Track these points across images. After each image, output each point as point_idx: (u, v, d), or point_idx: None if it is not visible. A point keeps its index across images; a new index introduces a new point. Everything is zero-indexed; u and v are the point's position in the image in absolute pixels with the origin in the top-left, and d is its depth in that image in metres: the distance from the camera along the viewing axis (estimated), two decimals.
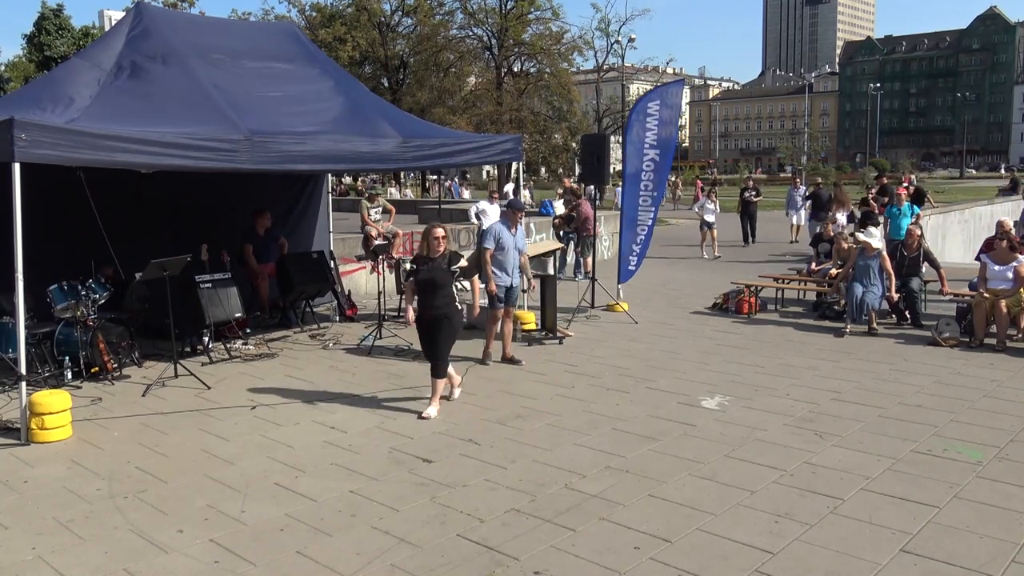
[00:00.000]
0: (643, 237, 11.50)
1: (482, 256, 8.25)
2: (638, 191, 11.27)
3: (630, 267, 11.61)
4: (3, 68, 50.31)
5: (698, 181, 42.73)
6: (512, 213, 8.46)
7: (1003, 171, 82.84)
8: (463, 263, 6.55)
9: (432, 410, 6.66)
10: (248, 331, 9.64)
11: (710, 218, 18.47)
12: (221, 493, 5.17)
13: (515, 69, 43.44)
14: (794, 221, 20.74)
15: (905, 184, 21.70)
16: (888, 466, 5.48)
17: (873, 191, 18.61)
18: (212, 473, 5.52)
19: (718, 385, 7.61)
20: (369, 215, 12.62)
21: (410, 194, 44.36)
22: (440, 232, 6.64)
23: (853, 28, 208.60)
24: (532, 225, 13.14)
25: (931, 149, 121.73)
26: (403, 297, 6.89)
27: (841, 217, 16.99)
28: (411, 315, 6.74)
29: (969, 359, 8.47)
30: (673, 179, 44.72)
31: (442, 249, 6.62)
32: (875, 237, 10.04)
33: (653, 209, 11.44)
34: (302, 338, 9.97)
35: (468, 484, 5.28)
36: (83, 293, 7.89)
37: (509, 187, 35.53)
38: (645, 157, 11.16)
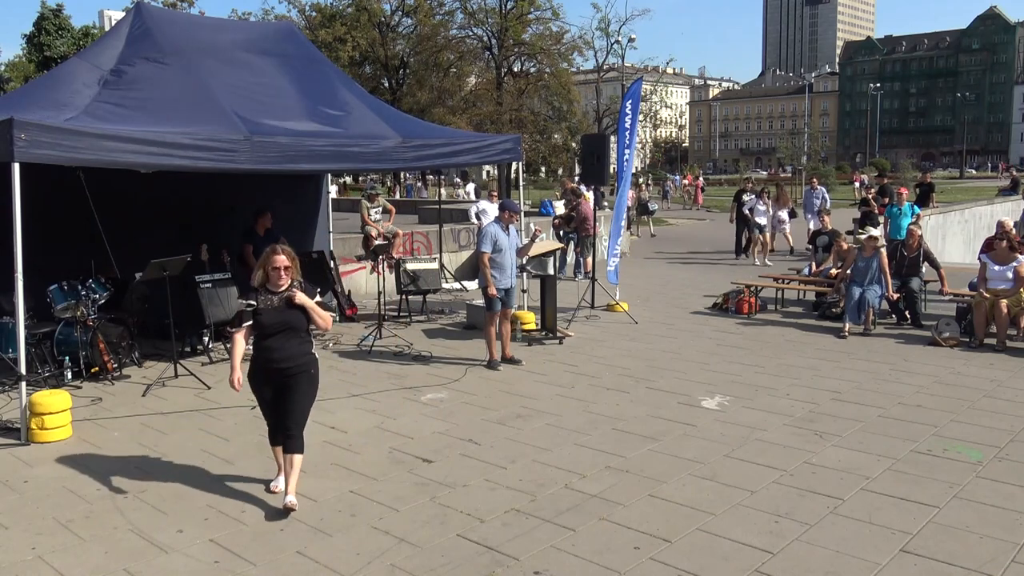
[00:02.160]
0: (614, 235, 11.96)
1: (480, 260, 8.25)
2: (623, 191, 11.77)
3: (608, 268, 11.91)
4: (3, 68, 50.28)
5: (697, 181, 42.71)
6: (506, 214, 8.45)
7: (991, 170, 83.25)
8: (318, 298, 5.04)
9: (291, 498, 4.88)
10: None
11: (762, 220, 17.18)
12: (221, 493, 5.17)
13: (515, 69, 43.37)
14: (811, 226, 17.97)
15: (857, 184, 21.29)
16: (888, 466, 5.48)
17: (873, 191, 18.62)
18: (212, 473, 5.52)
19: (718, 385, 7.61)
20: (369, 215, 12.63)
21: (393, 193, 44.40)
22: (282, 260, 4.92)
23: (853, 28, 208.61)
24: (532, 224, 13.10)
25: (931, 149, 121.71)
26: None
27: (782, 213, 18.33)
28: (237, 375, 4.92)
29: (969, 359, 8.47)
30: (686, 182, 44.57)
31: (285, 282, 4.91)
32: (870, 235, 10.08)
33: (621, 208, 12.01)
34: None
35: (468, 484, 5.28)
36: (83, 293, 7.89)
37: (470, 187, 35.48)
38: (624, 158, 11.48)
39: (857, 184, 44.46)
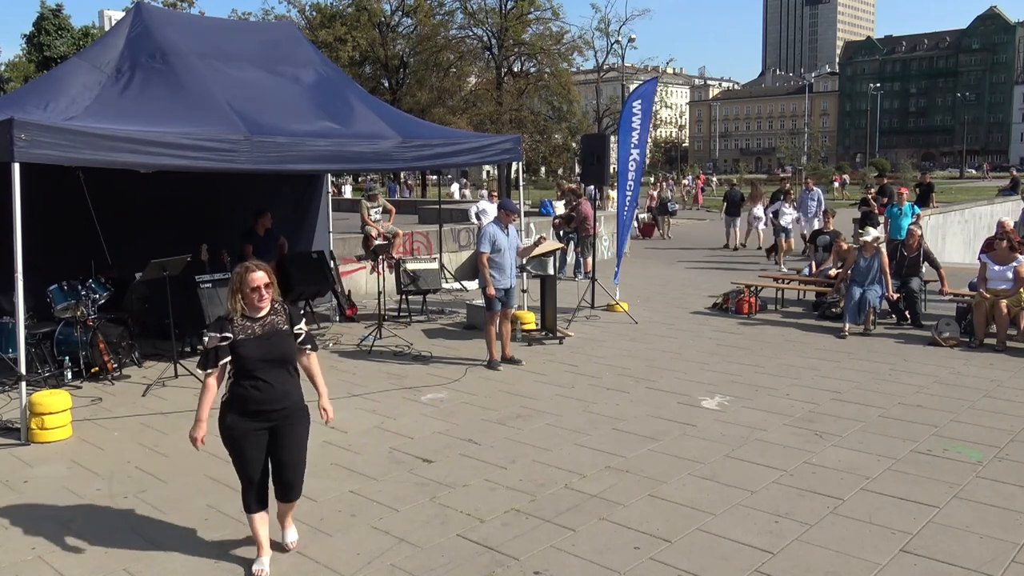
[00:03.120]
0: (624, 218, 11.81)
1: (479, 260, 8.26)
2: (625, 192, 11.54)
3: (616, 269, 11.92)
4: (3, 68, 50.30)
5: (699, 179, 42.72)
6: (504, 214, 8.46)
7: (976, 170, 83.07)
8: (303, 326, 4.21)
9: (293, 534, 4.41)
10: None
11: (787, 224, 16.47)
12: (221, 493, 5.17)
13: (515, 69, 43.41)
14: (804, 229, 17.63)
15: (837, 184, 21.42)
16: (888, 466, 5.48)
17: (873, 191, 18.59)
18: (212, 473, 5.51)
19: (718, 385, 7.61)
20: (369, 215, 12.63)
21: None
22: (260, 279, 4.01)
23: (853, 28, 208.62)
24: (532, 225, 13.16)
25: (931, 149, 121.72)
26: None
27: (757, 210, 19.17)
28: (204, 430, 4.01)
29: (969, 359, 8.47)
30: (685, 181, 44.48)
31: (267, 303, 4.06)
32: (871, 235, 10.07)
33: (631, 209, 11.77)
34: None
35: (468, 484, 5.28)
36: (83, 293, 7.89)
37: (454, 188, 35.48)
38: (629, 158, 11.38)
39: (837, 184, 44.57)
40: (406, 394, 7.46)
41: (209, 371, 3.97)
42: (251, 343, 3.97)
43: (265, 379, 3.98)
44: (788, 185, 19.27)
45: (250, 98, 8.35)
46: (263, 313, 4.06)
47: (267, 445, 4.08)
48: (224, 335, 3.96)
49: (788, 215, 16.71)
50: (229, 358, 3.96)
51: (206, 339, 4.03)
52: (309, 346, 4.26)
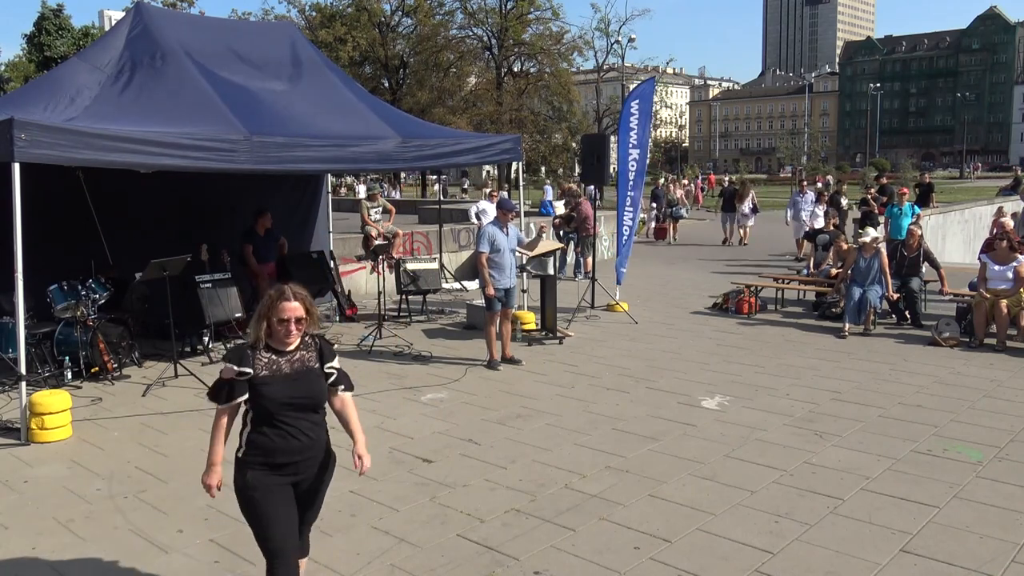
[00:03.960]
0: (626, 238, 11.73)
1: (478, 260, 8.26)
2: (626, 192, 11.51)
3: (622, 269, 11.86)
4: (3, 68, 50.27)
5: (698, 181, 42.67)
6: (502, 213, 8.46)
7: (967, 168, 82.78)
8: (336, 363, 3.53)
9: None
10: (248, 331, 9.62)
11: (821, 225, 15.31)
12: (221, 493, 5.16)
13: (515, 69, 43.46)
14: (797, 233, 17.41)
15: (819, 184, 21.80)
16: (888, 466, 5.48)
17: (873, 191, 18.59)
18: None
19: (718, 385, 7.61)
20: (369, 215, 12.64)
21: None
22: (294, 310, 3.35)
23: (853, 28, 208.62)
24: (532, 225, 13.16)
25: (931, 149, 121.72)
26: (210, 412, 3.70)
27: (744, 208, 20.25)
28: (218, 475, 3.60)
29: (969, 359, 8.47)
30: (684, 182, 44.31)
31: (295, 339, 3.41)
32: (870, 236, 10.07)
33: (634, 210, 11.68)
34: None
35: (468, 484, 5.29)
36: (83, 293, 7.89)
37: (437, 188, 35.47)
38: (629, 157, 11.36)
39: (820, 184, 44.36)
40: (406, 394, 7.46)
41: (222, 406, 3.40)
42: (277, 383, 3.34)
43: (290, 425, 3.37)
44: (843, 185, 18.75)
45: (250, 98, 8.36)
46: (292, 348, 3.43)
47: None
48: (243, 369, 3.33)
49: (820, 215, 15.95)
50: (246, 396, 3.36)
51: (222, 368, 3.42)
52: (342, 386, 3.59)
